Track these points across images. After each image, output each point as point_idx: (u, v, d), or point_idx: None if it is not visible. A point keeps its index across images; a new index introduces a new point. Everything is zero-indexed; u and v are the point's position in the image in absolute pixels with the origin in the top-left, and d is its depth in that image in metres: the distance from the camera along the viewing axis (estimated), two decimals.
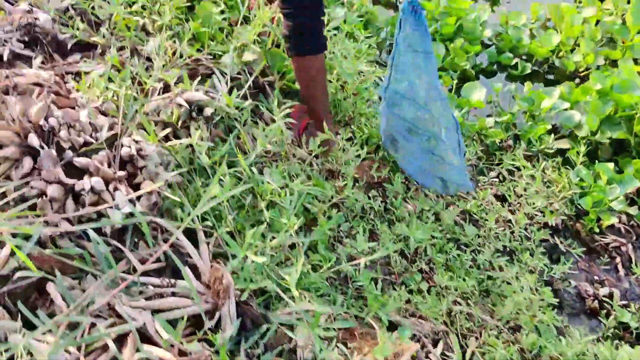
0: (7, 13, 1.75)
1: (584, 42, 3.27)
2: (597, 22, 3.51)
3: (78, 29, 1.88)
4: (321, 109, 2.04)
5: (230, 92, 1.71)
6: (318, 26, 1.88)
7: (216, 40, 2.10)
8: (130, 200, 1.19)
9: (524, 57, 3.38)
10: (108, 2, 1.92)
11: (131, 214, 1.17)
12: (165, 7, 1.97)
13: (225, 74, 1.86)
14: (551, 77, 3.37)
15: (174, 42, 1.97)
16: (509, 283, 1.79)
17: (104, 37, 1.92)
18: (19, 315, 0.97)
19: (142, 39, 1.98)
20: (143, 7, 2.08)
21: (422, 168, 2.07)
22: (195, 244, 1.30)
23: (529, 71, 3.26)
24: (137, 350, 0.99)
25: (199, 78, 1.73)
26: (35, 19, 1.75)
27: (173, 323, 1.07)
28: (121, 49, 1.90)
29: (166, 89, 1.67)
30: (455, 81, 2.92)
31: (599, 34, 3.36)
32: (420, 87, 1.87)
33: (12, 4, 1.88)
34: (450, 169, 1.99)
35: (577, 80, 3.28)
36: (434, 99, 1.87)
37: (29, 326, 0.96)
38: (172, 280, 1.19)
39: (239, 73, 1.98)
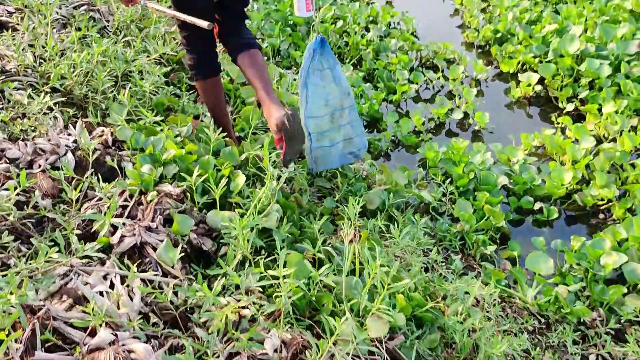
0: None
1: (598, 176, 3.20)
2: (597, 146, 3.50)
3: None
4: (228, 123, 2.63)
5: None
6: (210, 55, 2.50)
7: None
8: None
9: (540, 198, 3.25)
10: None
11: None
12: None
13: None
14: (572, 213, 3.24)
15: None
16: None
17: None
18: None
19: None
20: None
21: (340, 152, 2.64)
22: None
23: (555, 215, 3.11)
24: None
25: None
26: None
27: None
28: None
29: None
30: (495, 247, 2.72)
31: (607, 163, 3.31)
32: (335, 94, 2.51)
33: None
34: (357, 136, 2.65)
35: (602, 216, 3.18)
36: (345, 93, 2.55)
37: None
38: None
39: None
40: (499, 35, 4.87)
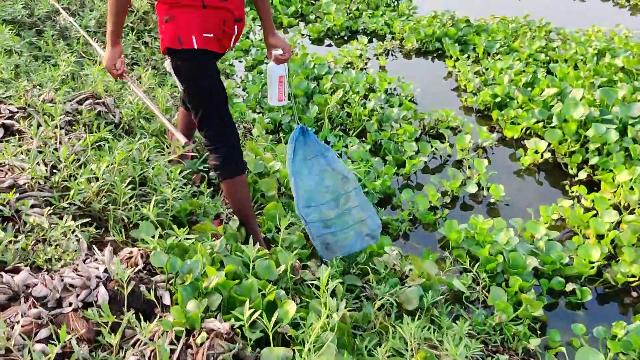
0: None
1: (627, 252, 3.12)
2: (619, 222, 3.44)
3: None
4: (256, 225, 2.54)
5: None
6: (237, 154, 2.45)
7: None
8: None
9: (570, 277, 3.15)
10: None
11: None
12: None
13: None
14: (604, 292, 3.15)
15: None
16: None
17: None
18: None
19: None
20: None
21: (355, 236, 2.56)
22: None
23: (589, 297, 3.01)
24: None
25: None
26: None
27: None
28: None
29: None
30: (538, 340, 2.59)
31: (634, 238, 3.25)
32: (332, 180, 2.48)
33: None
34: (369, 217, 2.61)
35: (635, 294, 3.10)
36: (343, 176, 2.52)
37: None
38: None
39: None
40: (498, 99, 4.87)
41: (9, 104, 2.90)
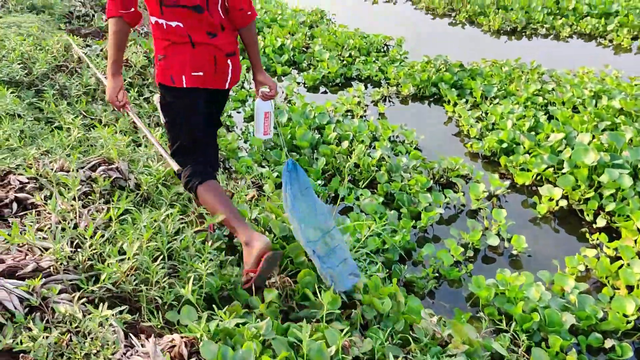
0: None
1: None
2: None
3: None
4: (234, 223, 2.44)
5: None
6: (201, 167, 2.55)
7: None
8: None
9: (605, 332, 3.05)
10: None
11: None
12: None
13: None
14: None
15: None
16: None
17: None
18: None
19: None
20: None
21: (343, 275, 2.51)
22: None
23: (631, 354, 2.90)
24: None
25: None
26: None
27: None
28: None
29: None
30: None
31: None
32: (319, 217, 2.54)
33: None
34: (349, 257, 2.60)
35: None
36: (325, 214, 2.57)
37: None
38: None
39: None
40: (504, 145, 4.84)
41: (19, 174, 2.74)
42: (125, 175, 2.97)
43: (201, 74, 2.35)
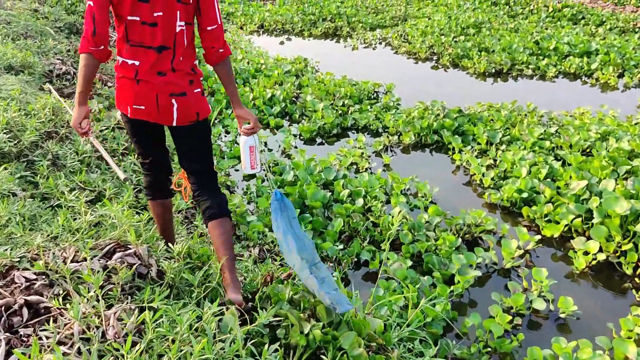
0: None
1: None
2: None
3: None
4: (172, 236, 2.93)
5: None
6: (162, 182, 2.82)
7: None
8: None
9: None
10: None
11: None
12: None
13: None
14: None
15: None
16: None
17: None
18: None
19: None
20: None
21: (340, 297, 2.50)
22: None
23: None
24: None
25: None
26: None
27: None
28: None
29: None
30: None
31: None
32: (307, 245, 2.55)
33: None
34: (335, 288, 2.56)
35: None
36: (311, 246, 2.57)
37: None
38: None
39: None
40: (524, 194, 4.62)
41: (24, 269, 2.34)
42: (145, 261, 2.59)
43: (143, 107, 2.49)
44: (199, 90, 2.57)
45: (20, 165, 3.50)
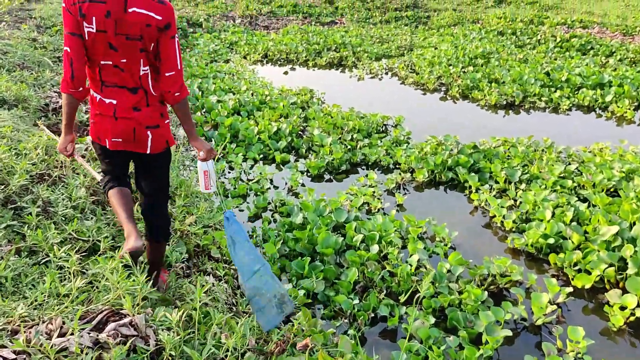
0: None
1: None
2: None
3: None
4: (122, 220, 2.84)
5: None
6: (119, 178, 2.99)
7: None
8: None
9: None
10: None
11: None
12: None
13: None
14: None
15: None
16: None
17: None
18: None
19: None
20: None
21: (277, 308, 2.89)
22: None
23: None
24: None
25: None
26: None
27: None
28: None
29: None
30: None
31: None
32: (251, 256, 2.89)
33: None
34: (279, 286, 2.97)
35: None
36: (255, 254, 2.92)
37: None
38: None
39: None
40: (549, 240, 4.31)
41: (1, 346, 2.03)
42: (142, 332, 2.28)
43: (120, 140, 2.73)
44: (168, 121, 2.85)
45: (7, 213, 3.20)
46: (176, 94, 2.68)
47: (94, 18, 2.46)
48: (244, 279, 2.86)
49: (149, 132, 2.73)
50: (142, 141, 2.75)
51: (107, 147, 2.76)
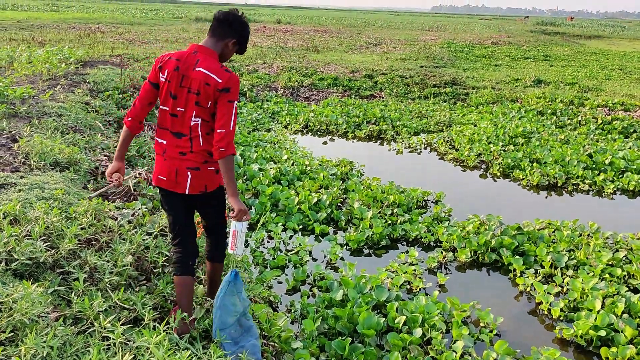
0: None
1: None
2: None
3: None
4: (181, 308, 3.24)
5: None
6: (188, 259, 3.30)
7: None
8: None
9: None
10: None
11: None
12: None
13: None
14: None
15: None
16: None
17: None
18: None
19: None
20: None
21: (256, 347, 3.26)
22: None
23: None
24: None
25: None
26: None
27: None
28: None
29: None
30: None
31: None
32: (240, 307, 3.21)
33: None
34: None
35: None
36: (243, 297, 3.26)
37: None
38: None
39: None
40: (600, 332, 4.11)
41: None
42: None
43: (164, 178, 3.13)
44: (213, 168, 3.15)
45: (56, 278, 3.22)
46: (222, 149, 2.96)
47: (166, 70, 3.06)
48: (224, 322, 3.15)
49: (189, 173, 3.09)
50: (182, 182, 3.10)
51: (154, 183, 3.20)
